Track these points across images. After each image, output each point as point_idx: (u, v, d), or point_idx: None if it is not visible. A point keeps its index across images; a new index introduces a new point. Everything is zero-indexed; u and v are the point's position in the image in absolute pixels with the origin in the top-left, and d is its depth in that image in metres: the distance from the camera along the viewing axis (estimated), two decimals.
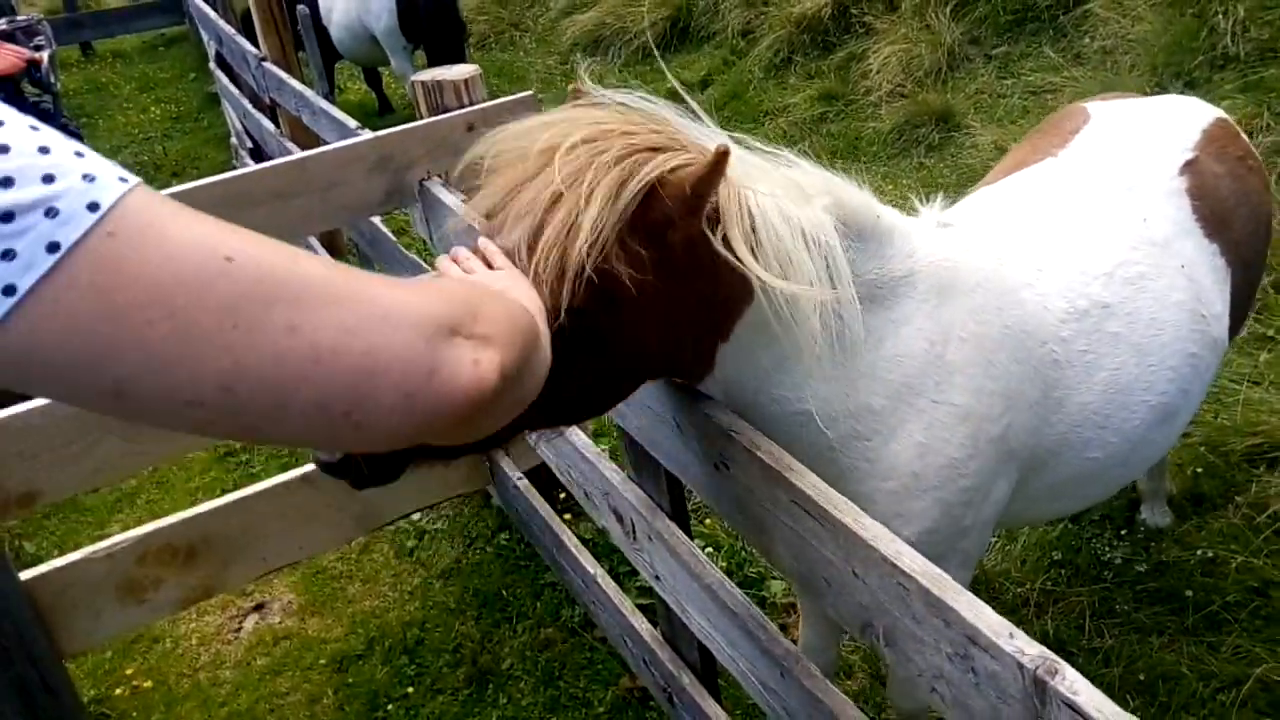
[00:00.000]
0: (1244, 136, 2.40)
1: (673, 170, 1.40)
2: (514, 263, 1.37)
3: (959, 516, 1.80)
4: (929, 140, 5.69)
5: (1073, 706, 1.09)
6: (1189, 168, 2.17)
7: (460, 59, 7.59)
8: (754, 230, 1.49)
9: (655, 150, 1.43)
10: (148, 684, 3.19)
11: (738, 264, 1.46)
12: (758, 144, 1.61)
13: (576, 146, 1.39)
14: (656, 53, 7.88)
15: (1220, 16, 4.83)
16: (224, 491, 4.08)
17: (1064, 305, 1.89)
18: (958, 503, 1.78)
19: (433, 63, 7.52)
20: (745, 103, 6.99)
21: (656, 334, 1.51)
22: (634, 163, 1.39)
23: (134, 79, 11.35)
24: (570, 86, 1.62)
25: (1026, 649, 1.15)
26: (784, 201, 1.54)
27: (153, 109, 9.99)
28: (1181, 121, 2.30)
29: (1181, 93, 4.81)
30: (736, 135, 1.58)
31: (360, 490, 1.42)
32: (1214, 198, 2.16)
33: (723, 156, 1.36)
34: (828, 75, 6.68)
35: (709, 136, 1.54)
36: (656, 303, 1.46)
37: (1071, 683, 1.10)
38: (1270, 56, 4.59)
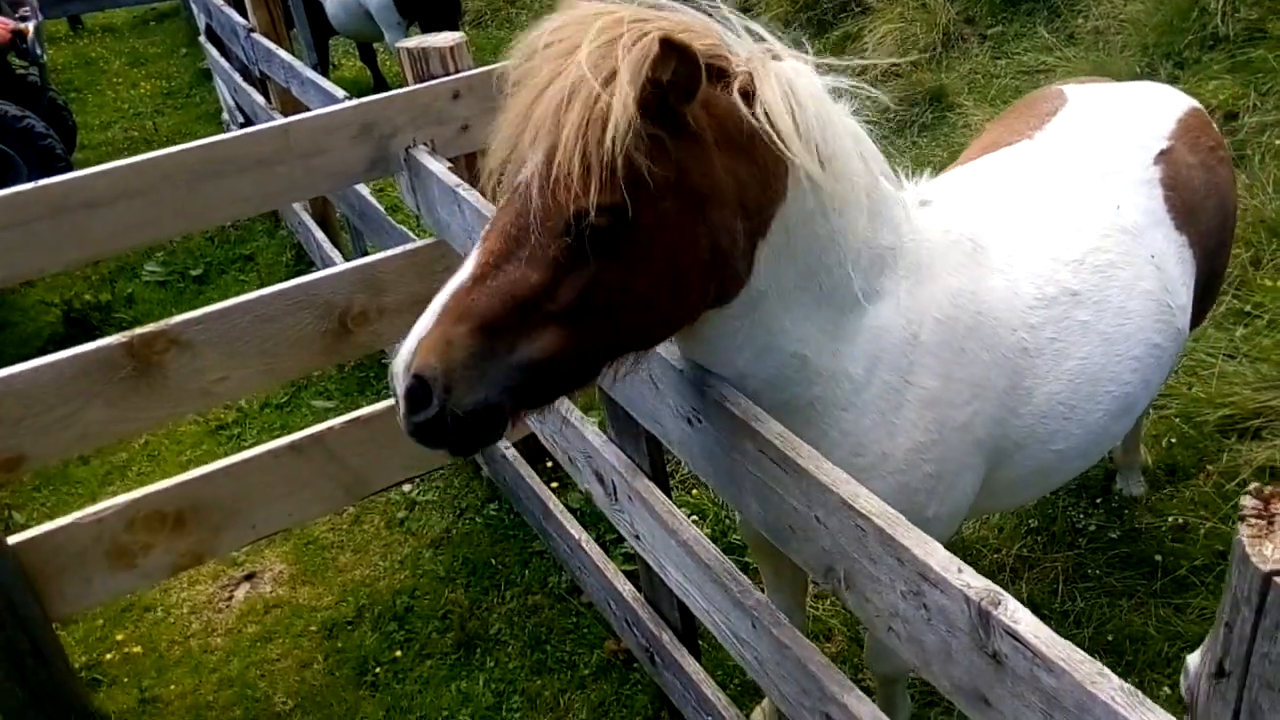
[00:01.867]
0: (1214, 126, 2.41)
1: (660, 43, 1.31)
2: (529, 192, 1.35)
3: (921, 505, 1.79)
4: (922, 119, 5.72)
5: (1013, 634, 1.13)
6: (1164, 157, 2.17)
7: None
8: (796, 107, 1.44)
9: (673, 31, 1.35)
10: (138, 650, 3.24)
11: (776, 139, 1.42)
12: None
13: (581, 45, 1.34)
14: None
15: None
16: None
17: (1033, 292, 1.89)
18: (921, 489, 1.78)
19: None
20: None
21: (700, 225, 1.44)
22: (645, 39, 1.33)
23: (124, 54, 11.27)
24: None
25: (973, 582, 1.20)
26: (823, 94, 1.51)
27: (143, 84, 9.95)
28: (1157, 110, 2.30)
29: (1172, 73, 4.85)
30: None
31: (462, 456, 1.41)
32: (1187, 189, 2.16)
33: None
34: (824, 53, 6.65)
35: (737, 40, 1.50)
36: (696, 188, 1.41)
37: (1013, 612, 1.15)
38: (1259, 37, 4.62)
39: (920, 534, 1.28)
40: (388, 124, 2.82)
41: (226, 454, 4.24)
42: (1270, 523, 0.96)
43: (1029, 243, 1.96)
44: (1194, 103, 2.42)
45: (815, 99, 1.49)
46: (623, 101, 1.29)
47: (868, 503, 1.35)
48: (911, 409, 1.74)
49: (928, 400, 1.74)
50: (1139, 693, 1.04)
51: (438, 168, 2.70)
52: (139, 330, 2.65)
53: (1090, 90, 2.43)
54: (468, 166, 2.99)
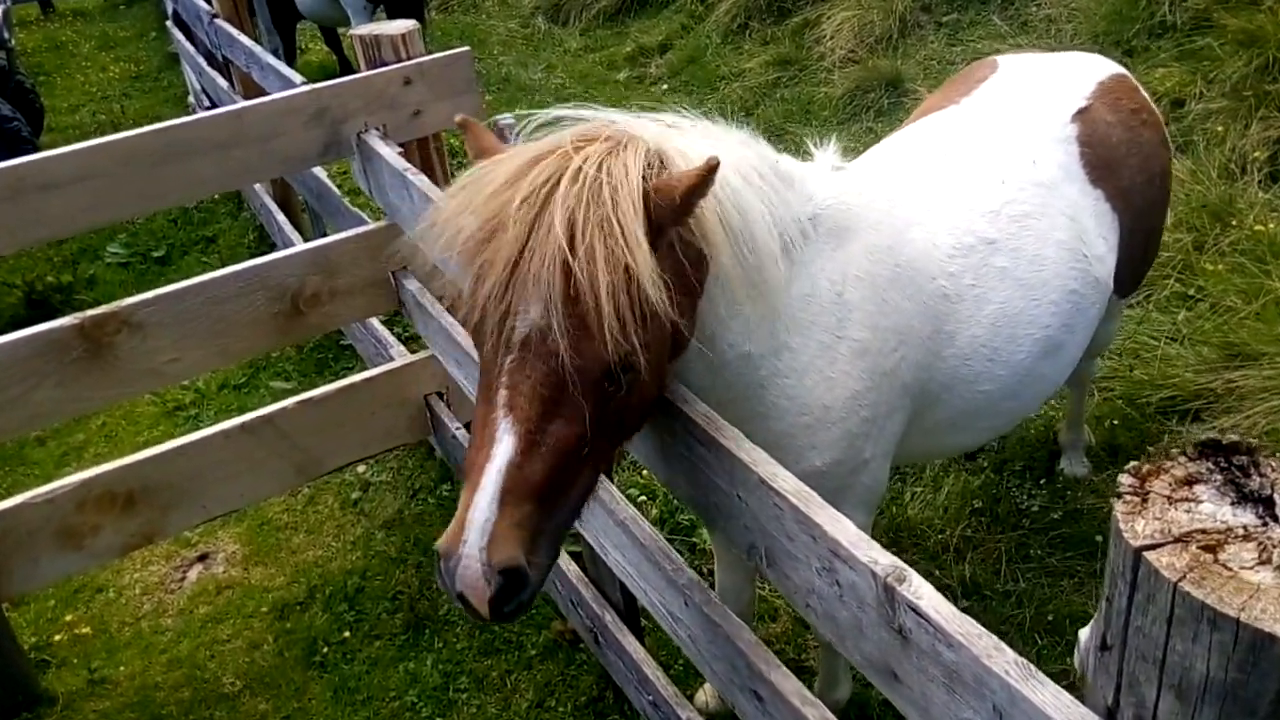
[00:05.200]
0: (1143, 92, 2.49)
1: (657, 187, 1.42)
2: (542, 340, 1.37)
3: (860, 448, 1.90)
4: (878, 105, 5.77)
5: (916, 610, 1.18)
6: (1080, 116, 2.27)
7: (420, 21, 7.53)
8: (719, 202, 1.54)
9: (613, 154, 1.45)
10: (87, 631, 3.24)
11: (710, 237, 1.52)
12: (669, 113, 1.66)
13: (549, 196, 1.40)
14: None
15: None
16: None
17: (951, 241, 1.99)
18: (860, 433, 1.88)
19: None
20: (702, 67, 7.02)
21: (680, 312, 1.50)
22: (617, 186, 1.40)
23: (94, 37, 11.16)
24: (457, 119, 1.64)
25: (880, 559, 1.24)
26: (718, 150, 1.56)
27: (112, 67, 9.84)
28: (1080, 74, 2.39)
29: (1121, 60, 4.91)
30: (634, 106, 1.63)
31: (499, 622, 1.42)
32: (1103, 145, 2.25)
33: (712, 170, 1.40)
34: (783, 41, 6.73)
35: (626, 118, 1.60)
36: (675, 287, 1.47)
37: (916, 588, 1.19)
38: (1205, 26, 4.69)
39: (833, 512, 1.32)
40: (341, 109, 2.83)
41: (183, 435, 4.26)
42: (1144, 500, 1.00)
43: (947, 198, 2.05)
44: (1119, 69, 2.52)
45: (732, 197, 1.57)
46: (644, 256, 1.36)
47: (784, 481, 1.38)
48: (845, 361, 1.83)
49: (859, 350, 1.84)
50: (1031, 666, 1.09)
51: (388, 152, 2.71)
52: (91, 312, 2.65)
53: (1022, 59, 2.52)
54: (419, 151, 3.00)
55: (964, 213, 2.01)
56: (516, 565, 1.35)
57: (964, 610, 1.17)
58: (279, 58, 7.13)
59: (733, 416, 1.75)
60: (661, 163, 1.52)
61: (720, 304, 1.65)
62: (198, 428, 4.26)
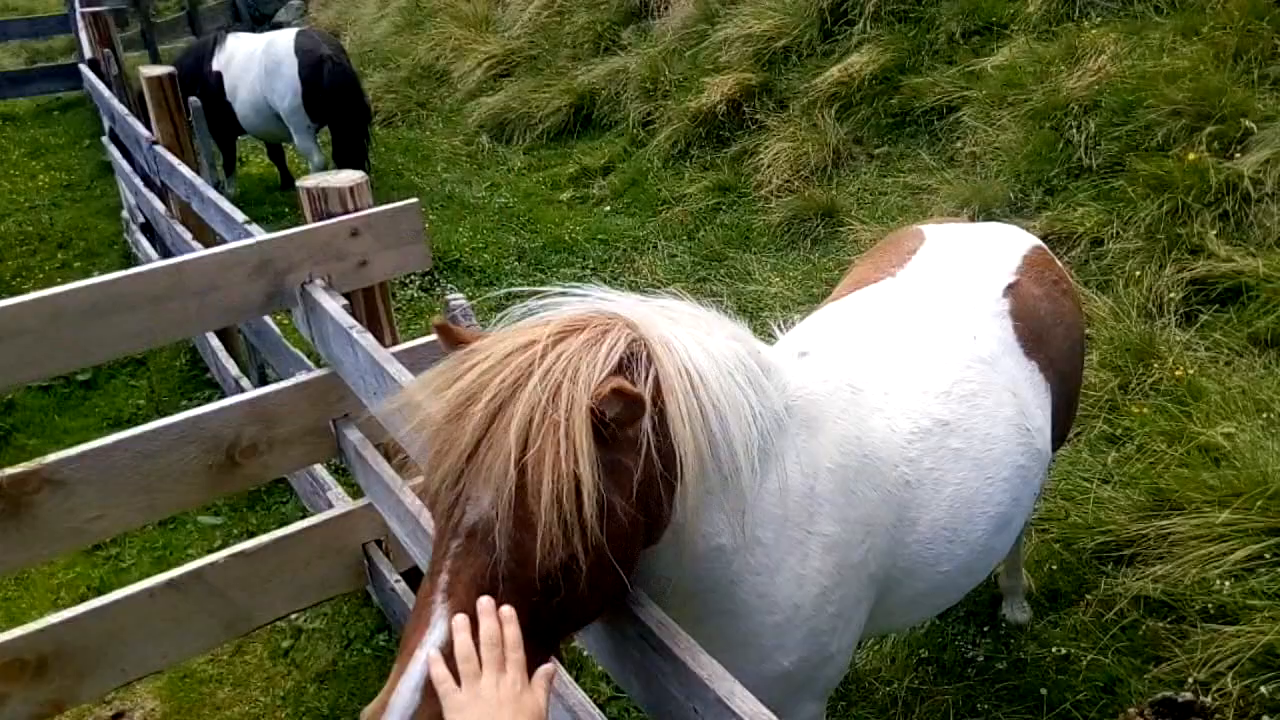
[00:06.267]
0: (1059, 263, 2.63)
1: (596, 394, 1.39)
2: (488, 531, 1.36)
3: (826, 644, 1.86)
4: (815, 234, 5.94)
5: None
6: (1011, 290, 2.35)
7: (364, 139, 7.63)
8: (689, 399, 1.52)
9: (590, 348, 1.45)
10: None
11: (677, 436, 1.50)
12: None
13: (515, 392, 1.40)
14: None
15: (1075, 130, 5.22)
16: (90, 589, 3.95)
17: (909, 426, 2.00)
18: (827, 629, 1.84)
19: (337, 142, 7.55)
20: (644, 190, 7.19)
21: (646, 507, 1.51)
22: (576, 393, 1.39)
23: (24, 143, 10.95)
24: (434, 321, 1.65)
25: None
26: (704, 342, 1.58)
27: (41, 176, 9.67)
28: (1004, 247, 2.50)
29: (1042, 199, 5.18)
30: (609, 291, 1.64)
31: None
32: (1034, 318, 2.34)
33: (634, 402, 1.39)
34: (722, 168, 6.94)
35: (602, 299, 1.61)
36: (640, 485, 1.46)
37: None
38: (1119, 169, 4.96)
39: None
40: (285, 260, 2.80)
41: (102, 576, 4.07)
42: None
43: (900, 379, 2.06)
44: (1037, 241, 2.64)
45: (708, 395, 1.56)
46: (588, 466, 1.35)
47: (743, 703, 1.36)
48: (816, 557, 1.80)
49: (829, 545, 1.81)
50: None
51: (333, 306, 2.68)
52: (9, 470, 2.53)
53: (946, 230, 2.62)
54: (365, 300, 2.98)
55: (918, 395, 2.04)
56: None
57: None
58: (215, 167, 7.17)
59: (697, 611, 1.74)
60: (647, 354, 1.51)
61: (693, 495, 1.61)
62: (118, 567, 4.11)
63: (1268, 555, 2.97)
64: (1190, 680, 2.65)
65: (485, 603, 1.35)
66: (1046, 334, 2.36)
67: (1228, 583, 2.96)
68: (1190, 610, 2.96)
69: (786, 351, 2.00)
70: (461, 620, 1.34)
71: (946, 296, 2.30)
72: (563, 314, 1.56)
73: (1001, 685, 3.00)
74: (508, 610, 1.35)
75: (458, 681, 1.31)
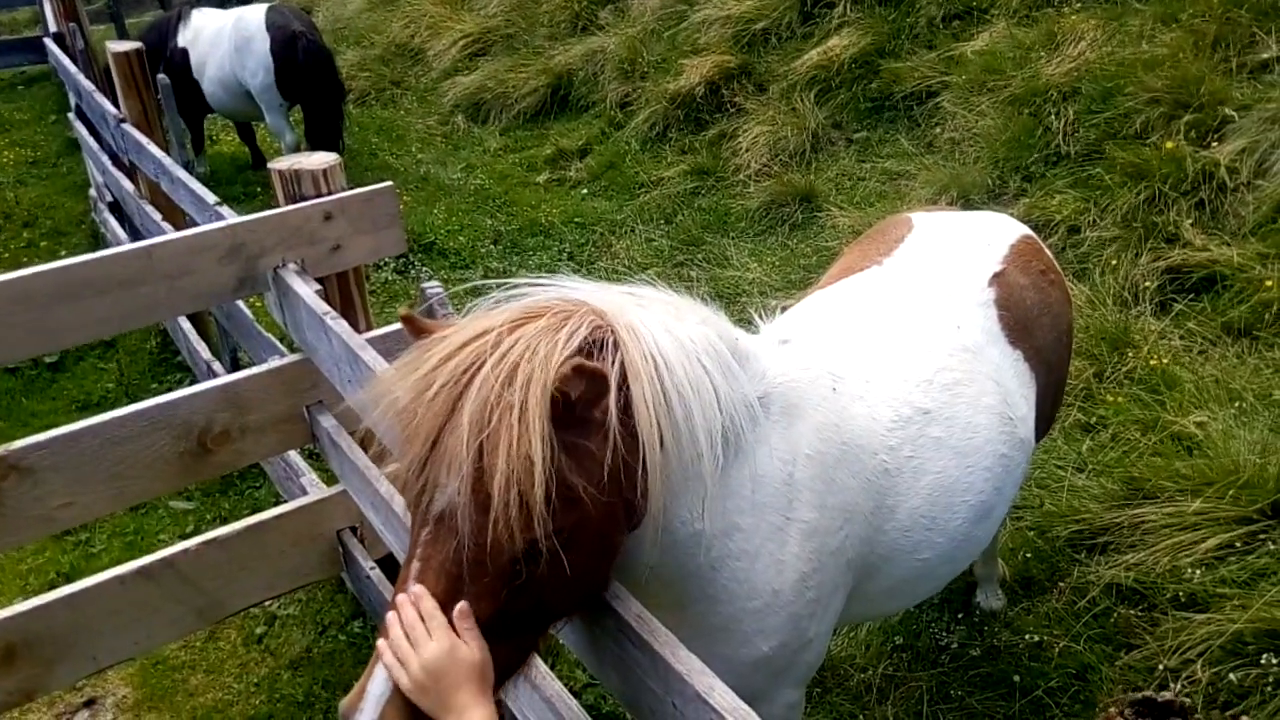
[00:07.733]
0: (1048, 252, 2.62)
1: (573, 369, 1.38)
2: (453, 517, 1.36)
3: (805, 629, 1.87)
4: (793, 219, 5.93)
5: None
6: (997, 279, 2.35)
7: (338, 118, 7.51)
8: (653, 385, 1.50)
9: (551, 332, 1.44)
10: None
11: (640, 421, 1.48)
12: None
13: (473, 377, 1.39)
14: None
15: (1053, 117, 5.23)
16: (59, 575, 3.89)
17: (890, 415, 2.00)
18: (805, 615, 1.86)
19: (310, 121, 7.43)
20: (621, 173, 7.14)
21: (619, 494, 1.50)
22: (532, 371, 1.38)
23: None
24: (400, 312, 1.64)
25: None
26: (673, 328, 1.57)
27: (6, 152, 9.46)
28: (992, 236, 2.49)
29: (1020, 186, 5.19)
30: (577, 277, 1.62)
31: None
32: (1019, 308, 2.34)
33: (597, 378, 1.38)
34: (700, 151, 6.90)
35: (572, 288, 1.60)
36: (609, 470, 1.45)
37: None
38: (1097, 156, 4.98)
39: None
40: (257, 245, 2.75)
41: (72, 562, 4.01)
42: None
43: (882, 367, 2.06)
44: (1026, 230, 2.63)
45: (670, 381, 1.54)
46: (543, 447, 1.34)
47: (722, 698, 1.35)
48: (795, 543, 1.80)
49: (808, 532, 1.81)
50: None
51: (306, 292, 2.64)
52: None
53: (934, 218, 2.62)
54: (339, 286, 2.94)
55: (900, 383, 2.04)
56: None
57: None
58: (185, 146, 7.06)
59: (678, 597, 1.74)
60: (614, 340, 1.50)
61: (660, 480, 1.60)
62: (88, 553, 4.05)
63: (1238, 544, 3.01)
64: (1160, 667, 2.69)
65: (412, 594, 1.39)
66: (1032, 323, 2.36)
67: (1198, 571, 2.99)
68: (1161, 598, 3.00)
69: (768, 339, 1.99)
70: (392, 616, 1.39)
71: (932, 285, 2.29)
72: (523, 302, 1.55)
73: (975, 672, 3.02)
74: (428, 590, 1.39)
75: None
